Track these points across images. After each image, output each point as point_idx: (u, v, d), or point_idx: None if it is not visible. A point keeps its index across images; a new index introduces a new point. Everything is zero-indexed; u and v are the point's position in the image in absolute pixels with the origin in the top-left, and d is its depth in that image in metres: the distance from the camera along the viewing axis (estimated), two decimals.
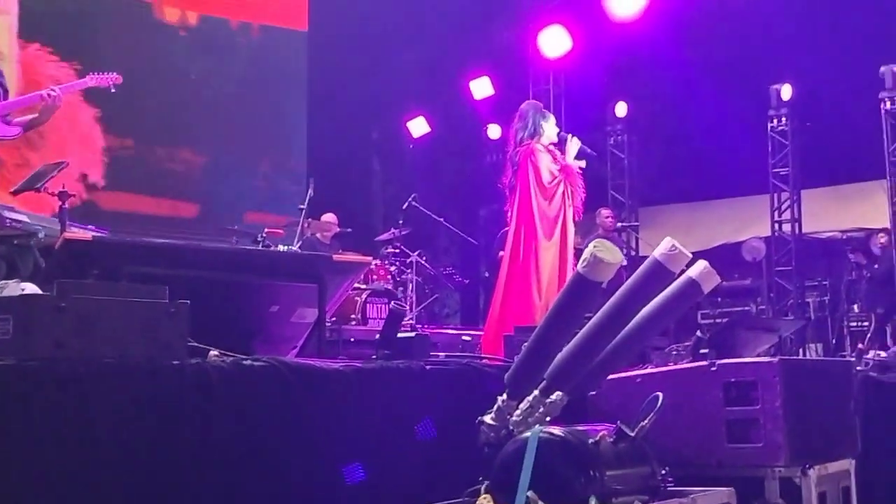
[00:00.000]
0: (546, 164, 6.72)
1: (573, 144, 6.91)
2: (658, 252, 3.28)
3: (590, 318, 3.39)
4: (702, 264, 3.49)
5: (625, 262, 3.76)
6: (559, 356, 3.36)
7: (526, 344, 3.38)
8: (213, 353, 3.51)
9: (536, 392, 3.36)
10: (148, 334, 3.24)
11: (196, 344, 3.49)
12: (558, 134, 6.95)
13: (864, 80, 12.32)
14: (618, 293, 3.35)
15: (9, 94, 5.36)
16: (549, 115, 7.06)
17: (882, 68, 12.06)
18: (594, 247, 3.05)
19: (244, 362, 3.43)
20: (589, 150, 7.11)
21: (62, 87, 5.39)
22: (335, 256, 4.75)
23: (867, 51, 12.28)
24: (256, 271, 4.28)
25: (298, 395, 3.48)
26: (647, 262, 3.33)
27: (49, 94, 5.26)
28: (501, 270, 6.78)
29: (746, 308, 13.71)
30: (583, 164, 7.01)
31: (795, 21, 12.62)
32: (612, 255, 3.05)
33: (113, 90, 5.76)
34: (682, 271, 3.49)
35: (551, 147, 6.88)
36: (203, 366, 3.30)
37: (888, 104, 12.07)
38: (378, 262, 10.29)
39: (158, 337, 3.26)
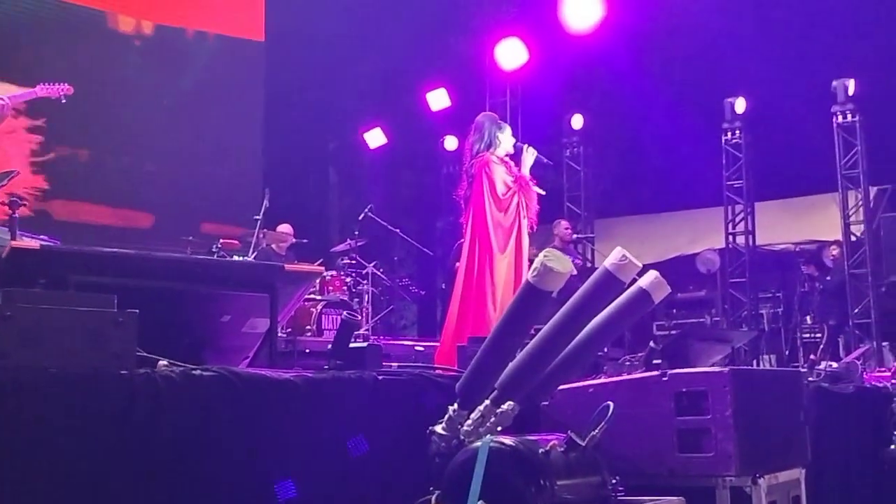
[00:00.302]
0: (500, 176, 6.73)
1: (529, 155, 6.93)
2: (608, 262, 3.30)
3: (538, 330, 3.40)
4: (652, 274, 3.51)
5: (574, 272, 3.78)
6: (510, 366, 3.36)
7: (477, 353, 3.38)
8: (163, 362, 3.47)
9: (488, 402, 3.36)
10: (95, 344, 3.20)
11: (145, 354, 3.45)
12: (515, 145, 6.97)
13: (816, 94, 12.50)
14: (568, 303, 3.36)
15: None
16: (506, 126, 7.07)
17: (834, 82, 12.25)
18: (544, 256, 3.06)
19: (194, 372, 3.39)
20: (545, 160, 7.13)
21: (11, 96, 5.33)
22: (287, 266, 4.72)
23: (820, 65, 12.47)
24: (207, 281, 4.24)
25: (249, 404, 3.45)
26: (597, 272, 3.34)
27: None
28: (457, 281, 6.78)
29: (701, 320, 13.83)
30: (537, 190, 7.02)
31: (749, 35, 12.79)
32: (562, 264, 3.06)
33: (63, 101, 5.69)
34: (634, 281, 3.52)
35: (507, 158, 6.90)
36: (152, 376, 3.26)
37: (840, 118, 12.25)
38: (334, 273, 10.25)
39: (106, 346, 3.22)
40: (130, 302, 3.36)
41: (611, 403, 3.35)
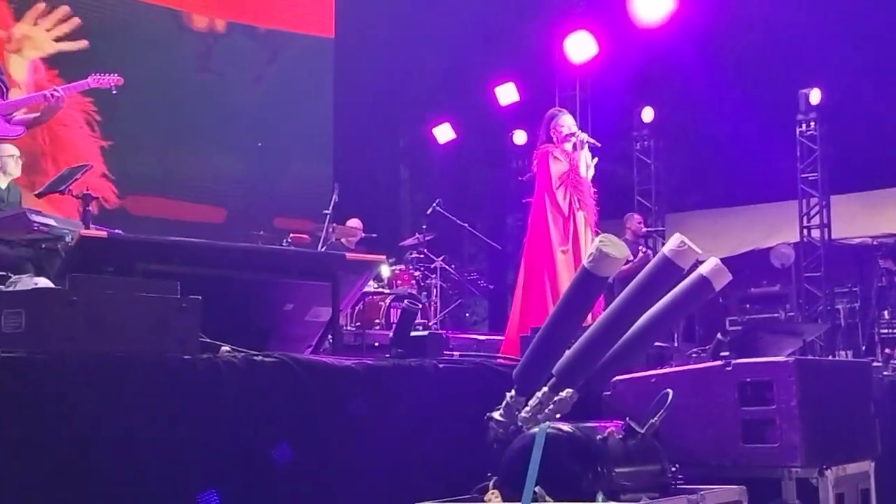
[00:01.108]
0: (557, 169, 6.74)
1: (584, 151, 6.90)
2: (667, 248, 3.27)
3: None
4: (713, 261, 3.48)
5: (632, 258, 3.76)
6: (568, 352, 3.35)
7: (534, 340, 3.38)
8: (225, 348, 3.54)
9: (545, 388, 3.36)
10: (159, 329, 3.27)
11: (208, 340, 3.52)
12: (573, 135, 6.94)
13: (892, 85, 12.19)
14: (627, 290, 3.34)
15: (8, 92, 5.42)
16: (565, 115, 7.07)
17: None
18: (600, 241, 3.04)
19: (255, 358, 3.45)
20: (594, 142, 7.04)
21: (64, 87, 5.44)
22: (348, 255, 4.77)
23: None
24: (271, 270, 4.31)
25: (309, 391, 3.50)
26: (655, 259, 3.32)
27: (52, 94, 5.32)
28: (520, 274, 6.80)
29: (775, 315, 13.59)
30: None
31: (824, 24, 12.52)
32: (618, 250, 3.04)
33: (114, 92, 5.79)
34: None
35: (567, 149, 6.88)
36: (214, 361, 3.32)
37: None
38: (402, 267, 10.30)
39: (169, 332, 3.29)
40: (195, 290, 3.42)
41: (670, 391, 3.33)
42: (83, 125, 10.89)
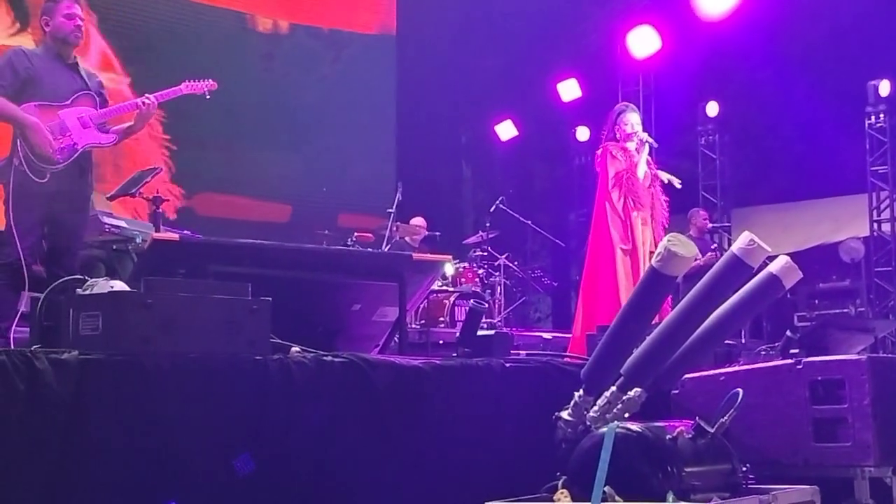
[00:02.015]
0: (614, 168, 6.72)
1: (644, 151, 6.86)
2: (736, 246, 3.25)
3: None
4: (783, 259, 3.44)
5: (702, 260, 3.74)
6: (636, 352, 3.35)
7: (602, 339, 3.37)
8: (295, 349, 3.59)
9: (614, 388, 3.36)
10: (231, 330, 3.33)
11: (279, 340, 3.57)
12: (635, 133, 6.90)
13: None
14: (695, 288, 3.33)
15: (107, 102, 5.52)
16: (630, 110, 7.03)
17: None
18: (668, 241, 3.03)
19: (325, 358, 3.50)
20: (652, 142, 6.98)
21: (157, 94, 5.52)
22: (414, 255, 4.80)
23: None
24: (338, 270, 4.35)
25: (379, 390, 3.54)
26: (724, 257, 3.30)
27: (144, 103, 5.40)
28: (584, 272, 6.79)
29: (845, 310, 13.37)
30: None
31: (893, 14, 12.28)
32: (686, 249, 3.03)
33: (208, 97, 5.87)
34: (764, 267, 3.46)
35: (628, 147, 6.85)
36: (285, 361, 3.37)
37: None
38: (466, 265, 10.32)
39: (241, 333, 3.35)
40: (265, 291, 3.48)
41: (740, 390, 3.31)
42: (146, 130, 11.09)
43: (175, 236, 4.33)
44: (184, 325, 3.20)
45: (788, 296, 12.88)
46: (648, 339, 3.37)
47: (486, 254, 10.68)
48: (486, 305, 8.86)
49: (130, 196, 6.66)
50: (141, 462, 2.98)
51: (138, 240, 6.32)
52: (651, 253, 6.32)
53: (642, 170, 6.77)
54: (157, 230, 6.14)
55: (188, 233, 6.31)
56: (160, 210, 6.40)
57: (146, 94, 5.49)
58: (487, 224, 10.86)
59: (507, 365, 4.05)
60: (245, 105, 11.92)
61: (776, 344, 6.40)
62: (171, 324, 3.17)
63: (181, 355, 3.12)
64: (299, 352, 3.55)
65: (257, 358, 3.29)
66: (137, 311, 3.14)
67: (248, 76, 12.17)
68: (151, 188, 6.74)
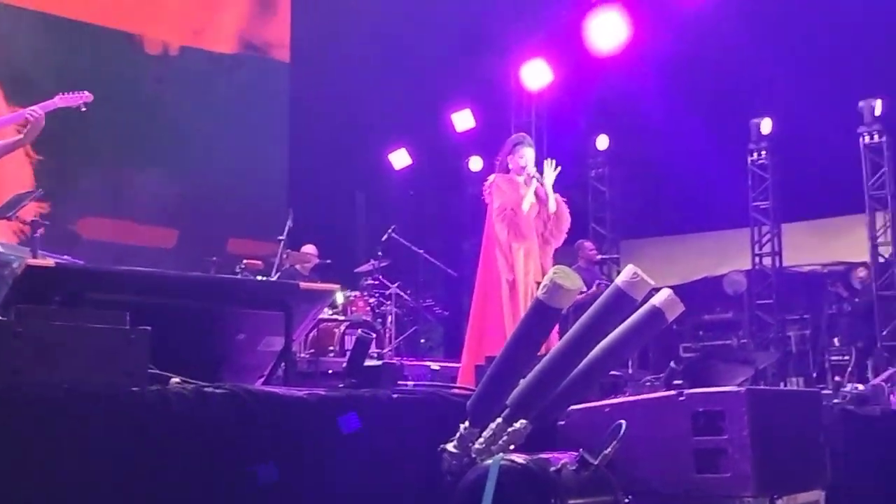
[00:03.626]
0: (500, 200, 6.79)
1: (532, 185, 6.92)
2: (620, 279, 3.28)
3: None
4: (665, 292, 3.48)
5: (585, 290, 3.77)
6: (522, 383, 3.34)
7: (488, 371, 3.36)
8: (175, 380, 3.49)
9: (499, 420, 3.34)
10: (108, 361, 3.22)
11: (158, 371, 3.47)
12: (527, 169, 6.95)
13: (842, 115, 12.41)
14: (580, 321, 3.34)
15: None
16: (528, 143, 7.10)
17: (860, 103, 12.16)
18: (553, 273, 3.04)
19: (206, 389, 3.40)
20: (540, 183, 7.00)
21: (39, 106, 5.38)
22: (302, 284, 4.73)
23: (846, 85, 12.38)
24: (223, 299, 4.27)
25: (261, 423, 3.46)
26: (609, 290, 3.33)
27: (31, 115, 5.27)
28: (473, 302, 6.83)
29: (728, 342, 13.72)
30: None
31: (775, 55, 12.72)
32: (572, 281, 3.04)
33: (83, 109, 5.73)
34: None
35: (518, 180, 6.92)
36: (163, 392, 3.27)
37: (867, 138, 12.16)
38: (357, 293, 10.26)
39: (118, 363, 3.24)
40: (146, 320, 3.38)
41: (623, 422, 3.32)
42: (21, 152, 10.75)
43: (50, 262, 4.19)
44: (58, 355, 3.08)
45: (674, 327, 13.15)
46: (534, 370, 3.37)
47: (377, 282, 10.65)
48: (374, 335, 8.81)
49: (6, 219, 6.43)
50: (10, 498, 2.84)
51: (15, 265, 6.09)
52: (537, 284, 6.39)
53: (528, 202, 6.83)
54: (35, 255, 5.92)
55: (67, 258, 6.12)
56: (37, 234, 6.18)
57: (31, 108, 5.35)
58: (379, 253, 10.84)
59: (395, 396, 4.01)
60: (133, 127, 11.71)
61: (661, 375, 6.52)
62: (44, 354, 3.05)
63: (54, 387, 2.99)
64: (179, 383, 3.45)
65: (134, 389, 3.18)
66: (7, 340, 3.01)
67: (136, 98, 11.96)
68: (30, 211, 6.53)
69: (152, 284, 4.13)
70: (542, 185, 6.92)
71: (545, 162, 7.02)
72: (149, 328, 3.32)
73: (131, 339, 3.27)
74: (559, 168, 6.98)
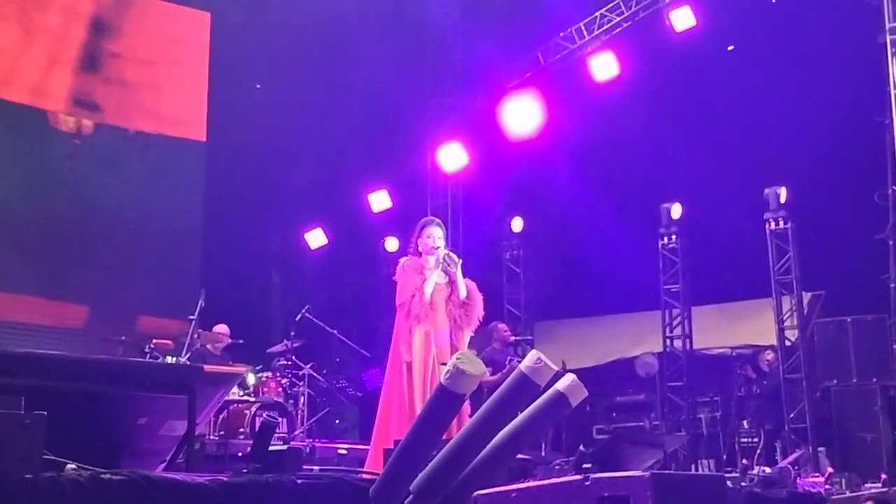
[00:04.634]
0: (405, 282, 6.85)
1: (439, 267, 6.97)
2: (524, 365, 3.31)
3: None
4: (569, 377, 3.52)
5: (488, 375, 3.78)
6: (425, 469, 3.33)
7: (391, 457, 3.34)
8: (71, 466, 3.40)
9: None
10: (1, 446, 3.13)
11: (53, 457, 3.38)
12: (437, 248, 7.00)
13: (749, 201, 12.75)
14: (484, 406, 3.35)
15: None
16: (436, 224, 7.15)
17: (766, 190, 12.49)
18: (457, 359, 3.06)
19: (102, 476, 3.32)
20: (450, 262, 7.02)
21: None
22: (207, 367, 4.67)
23: (752, 173, 12.77)
24: (123, 382, 4.18)
25: None
26: (512, 375, 3.34)
27: None
28: (384, 384, 6.82)
29: (640, 423, 13.80)
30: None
31: (684, 143, 13.11)
32: (475, 367, 3.06)
33: None
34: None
35: (427, 263, 6.97)
36: (58, 480, 3.19)
37: (772, 224, 12.47)
38: (269, 374, 10.14)
39: (11, 450, 3.15)
40: (43, 403, 3.30)
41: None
42: None
43: None
44: None
45: (588, 408, 13.23)
46: (438, 455, 3.36)
47: (290, 363, 10.54)
48: (279, 420, 8.72)
49: None
50: None
51: None
52: (438, 364, 6.43)
53: (430, 286, 6.86)
54: None
55: None
56: None
57: None
58: (292, 333, 10.75)
59: (299, 481, 3.95)
60: (43, 203, 11.52)
61: (572, 458, 6.53)
62: None
63: None
64: (75, 469, 3.36)
65: (27, 476, 3.09)
66: None
67: (48, 175, 11.80)
68: None
69: (51, 367, 4.03)
70: (453, 262, 6.96)
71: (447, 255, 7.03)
72: (45, 413, 3.24)
73: (26, 425, 3.19)
74: (461, 261, 7.01)
